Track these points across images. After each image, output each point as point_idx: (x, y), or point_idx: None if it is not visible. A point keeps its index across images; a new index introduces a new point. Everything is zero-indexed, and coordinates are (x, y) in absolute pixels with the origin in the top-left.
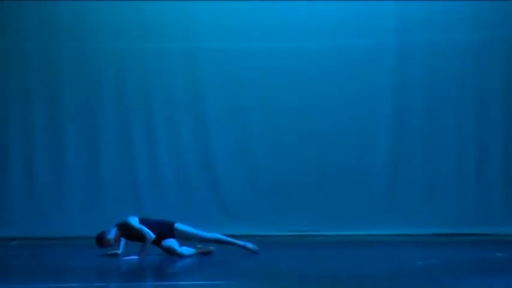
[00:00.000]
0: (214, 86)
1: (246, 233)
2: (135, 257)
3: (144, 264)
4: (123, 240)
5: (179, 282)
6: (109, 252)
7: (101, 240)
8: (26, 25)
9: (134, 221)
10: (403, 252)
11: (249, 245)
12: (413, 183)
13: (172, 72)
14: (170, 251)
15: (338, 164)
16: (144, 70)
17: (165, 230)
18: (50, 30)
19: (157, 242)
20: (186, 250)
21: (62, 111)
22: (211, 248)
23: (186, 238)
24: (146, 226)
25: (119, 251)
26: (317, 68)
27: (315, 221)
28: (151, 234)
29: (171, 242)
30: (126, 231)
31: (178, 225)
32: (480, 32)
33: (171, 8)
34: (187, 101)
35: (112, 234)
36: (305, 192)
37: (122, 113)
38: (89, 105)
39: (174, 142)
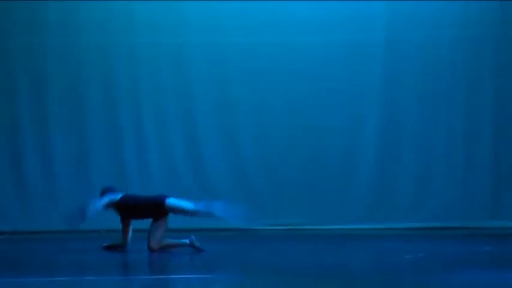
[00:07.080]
0: (204, 81)
1: (235, 227)
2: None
3: (136, 258)
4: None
5: (171, 276)
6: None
7: None
8: (14, 21)
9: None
10: (391, 246)
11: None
12: (402, 177)
13: (161, 67)
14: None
15: (327, 158)
16: (132, 65)
17: None
18: (37, 25)
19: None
20: None
21: (50, 107)
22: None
23: None
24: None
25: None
26: (307, 63)
27: (303, 215)
28: None
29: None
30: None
31: None
32: (469, 29)
33: (160, 3)
34: (177, 96)
35: None
36: (294, 186)
37: (111, 108)
38: (77, 101)
39: (163, 137)
